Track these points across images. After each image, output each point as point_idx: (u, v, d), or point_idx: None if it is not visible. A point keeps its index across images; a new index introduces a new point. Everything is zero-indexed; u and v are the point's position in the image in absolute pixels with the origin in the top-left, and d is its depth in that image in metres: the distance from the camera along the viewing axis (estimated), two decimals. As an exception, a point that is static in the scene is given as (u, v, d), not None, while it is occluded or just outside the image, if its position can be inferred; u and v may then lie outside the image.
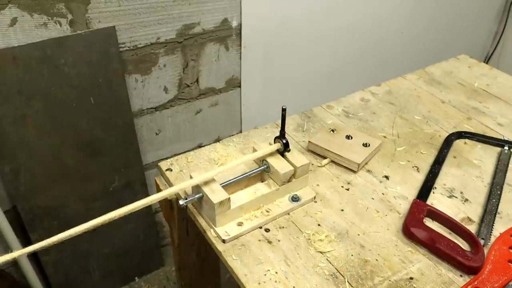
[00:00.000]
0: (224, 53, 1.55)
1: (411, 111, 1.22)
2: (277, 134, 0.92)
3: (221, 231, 0.85)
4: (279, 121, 0.91)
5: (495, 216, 0.90)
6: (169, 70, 1.47)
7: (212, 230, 0.86)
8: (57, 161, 1.37)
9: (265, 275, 0.78)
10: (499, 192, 0.96)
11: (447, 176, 1.01)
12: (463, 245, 0.84)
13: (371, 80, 1.40)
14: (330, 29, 1.76)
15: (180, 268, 1.17)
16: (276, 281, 0.77)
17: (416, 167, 1.03)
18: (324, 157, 1.04)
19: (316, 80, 1.86)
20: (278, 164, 0.90)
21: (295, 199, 0.92)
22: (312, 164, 1.02)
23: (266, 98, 1.75)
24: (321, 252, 0.83)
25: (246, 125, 1.77)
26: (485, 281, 0.77)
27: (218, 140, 1.24)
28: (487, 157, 1.07)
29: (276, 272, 0.79)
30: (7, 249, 1.42)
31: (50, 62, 1.22)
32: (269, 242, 0.85)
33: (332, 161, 1.03)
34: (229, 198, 0.83)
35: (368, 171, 1.01)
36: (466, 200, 0.95)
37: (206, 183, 0.85)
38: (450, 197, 0.96)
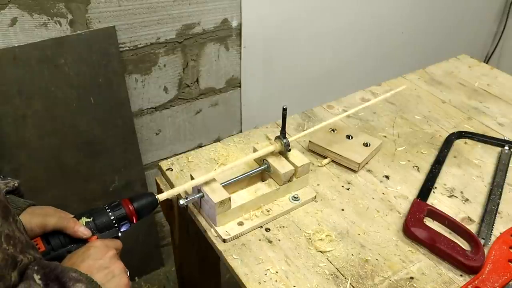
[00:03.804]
0: (224, 53, 1.55)
1: (411, 111, 1.22)
2: (278, 133, 0.92)
3: (222, 231, 0.85)
4: (280, 121, 0.91)
5: (495, 216, 0.90)
6: (169, 70, 1.47)
7: (212, 230, 0.86)
8: (57, 161, 1.36)
9: (266, 274, 0.78)
10: (499, 192, 0.96)
11: (448, 176, 1.01)
12: (463, 244, 0.84)
13: (371, 80, 1.40)
14: (330, 29, 1.76)
15: (180, 268, 1.17)
16: (276, 281, 0.77)
17: (416, 166, 1.03)
18: (325, 157, 1.04)
19: (316, 80, 1.86)
20: (279, 163, 0.90)
21: (295, 198, 0.92)
22: (313, 164, 1.02)
23: (266, 98, 1.75)
24: (321, 252, 0.83)
25: (246, 125, 1.77)
26: (485, 280, 0.77)
27: (218, 140, 1.24)
28: (487, 157, 1.07)
29: (277, 272, 0.79)
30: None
31: (50, 62, 1.22)
32: (270, 241, 0.85)
33: (333, 161, 1.03)
34: (229, 198, 0.83)
35: (369, 170, 1.02)
36: (467, 200, 0.95)
37: (207, 182, 0.85)
38: (450, 196, 0.96)
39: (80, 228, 0.72)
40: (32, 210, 0.74)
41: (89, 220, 0.75)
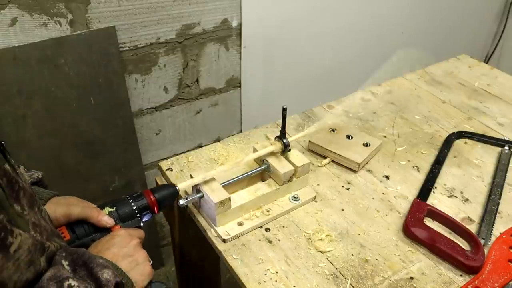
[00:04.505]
0: (224, 53, 1.55)
1: (411, 111, 1.22)
2: (278, 133, 0.92)
3: (222, 231, 0.85)
4: (280, 121, 0.91)
5: (495, 216, 0.90)
6: (169, 70, 1.47)
7: (212, 230, 0.86)
8: (57, 161, 1.36)
9: (266, 274, 0.78)
10: (499, 192, 0.96)
11: (448, 176, 1.01)
12: (463, 244, 0.84)
13: (371, 80, 1.40)
14: (330, 29, 1.76)
15: (180, 268, 1.17)
16: (276, 281, 0.77)
17: (416, 166, 1.03)
18: (325, 157, 1.04)
19: (316, 80, 1.86)
20: (279, 163, 0.90)
21: (295, 198, 0.92)
22: (313, 164, 1.02)
23: (266, 98, 1.75)
24: (321, 252, 0.83)
25: (246, 125, 1.77)
26: (485, 280, 0.77)
27: (218, 140, 1.24)
28: (487, 157, 1.07)
29: (277, 272, 0.79)
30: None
31: (50, 62, 1.22)
32: (270, 241, 0.85)
33: (333, 161, 1.03)
34: (229, 198, 0.83)
35: (369, 170, 1.01)
36: (467, 200, 0.95)
37: (207, 182, 0.85)
38: (450, 196, 0.96)
39: (104, 217, 0.74)
40: (57, 200, 0.76)
41: (112, 210, 0.77)
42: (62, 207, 0.74)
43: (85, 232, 0.74)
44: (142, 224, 0.80)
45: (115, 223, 0.75)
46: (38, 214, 0.61)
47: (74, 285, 0.57)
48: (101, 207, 0.76)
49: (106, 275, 0.60)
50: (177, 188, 0.83)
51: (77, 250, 0.63)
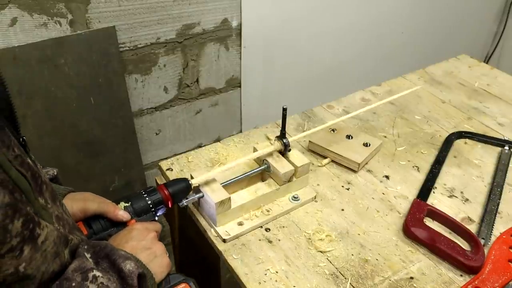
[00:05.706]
0: (224, 53, 1.55)
1: (411, 111, 1.22)
2: (278, 133, 0.92)
3: (222, 231, 0.85)
4: (280, 121, 0.91)
5: (495, 216, 0.90)
6: (169, 70, 1.47)
7: (212, 230, 0.86)
8: (57, 161, 1.36)
9: (266, 274, 0.78)
10: (499, 192, 0.96)
11: (448, 176, 1.01)
12: (463, 244, 0.84)
13: (371, 80, 1.40)
14: (330, 29, 1.76)
15: (180, 268, 1.17)
16: (276, 281, 0.77)
17: (416, 166, 1.03)
18: (325, 157, 1.04)
19: (316, 80, 1.86)
20: (279, 163, 0.90)
21: (295, 198, 0.92)
22: (313, 164, 1.02)
23: (266, 98, 1.75)
24: (321, 252, 0.83)
25: (246, 125, 1.77)
26: (485, 280, 0.77)
27: (218, 140, 1.24)
28: (487, 157, 1.07)
29: (277, 272, 0.79)
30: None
31: (50, 62, 1.22)
32: (270, 241, 0.85)
33: (333, 161, 1.03)
34: (229, 198, 0.83)
35: (369, 170, 1.01)
36: (467, 200, 0.95)
37: (207, 182, 0.85)
38: (450, 196, 0.96)
39: (120, 211, 0.75)
40: (73, 196, 0.77)
41: (127, 204, 0.78)
42: (79, 202, 0.75)
43: (102, 227, 0.75)
44: (156, 218, 0.81)
45: (131, 218, 0.76)
46: (60, 208, 0.62)
47: (98, 276, 0.58)
48: (116, 202, 0.77)
49: (129, 266, 0.61)
50: (190, 182, 0.84)
51: (99, 243, 0.64)
